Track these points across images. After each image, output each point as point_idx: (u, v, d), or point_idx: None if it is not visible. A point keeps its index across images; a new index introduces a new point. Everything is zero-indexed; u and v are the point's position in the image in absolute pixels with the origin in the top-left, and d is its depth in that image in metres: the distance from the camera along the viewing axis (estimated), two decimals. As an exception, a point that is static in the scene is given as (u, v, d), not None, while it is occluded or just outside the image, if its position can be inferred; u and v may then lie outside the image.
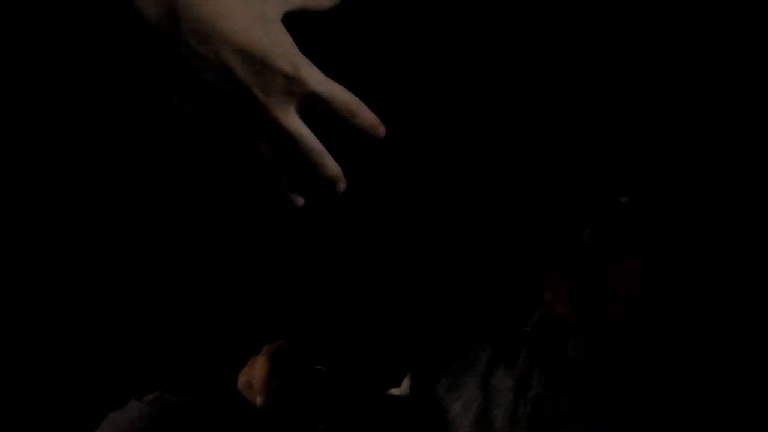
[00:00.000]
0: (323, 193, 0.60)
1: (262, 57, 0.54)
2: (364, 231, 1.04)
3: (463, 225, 1.03)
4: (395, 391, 1.03)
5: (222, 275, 1.09)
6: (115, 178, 0.97)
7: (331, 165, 0.59)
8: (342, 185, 0.60)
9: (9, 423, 1.10)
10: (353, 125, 0.58)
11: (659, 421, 0.84)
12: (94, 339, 1.12)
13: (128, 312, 1.11)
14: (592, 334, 0.89)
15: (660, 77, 0.93)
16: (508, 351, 0.96)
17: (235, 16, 0.54)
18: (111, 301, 1.10)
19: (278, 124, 0.56)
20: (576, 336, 0.91)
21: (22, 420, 1.11)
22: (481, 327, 1.02)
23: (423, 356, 1.03)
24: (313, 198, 0.61)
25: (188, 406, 0.99)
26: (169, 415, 0.98)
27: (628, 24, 0.92)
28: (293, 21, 0.57)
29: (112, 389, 1.07)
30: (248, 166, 0.59)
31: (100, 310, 1.11)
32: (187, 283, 1.09)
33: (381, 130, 0.60)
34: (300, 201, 0.61)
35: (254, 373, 0.96)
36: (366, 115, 0.59)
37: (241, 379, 0.98)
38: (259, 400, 0.95)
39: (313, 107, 0.57)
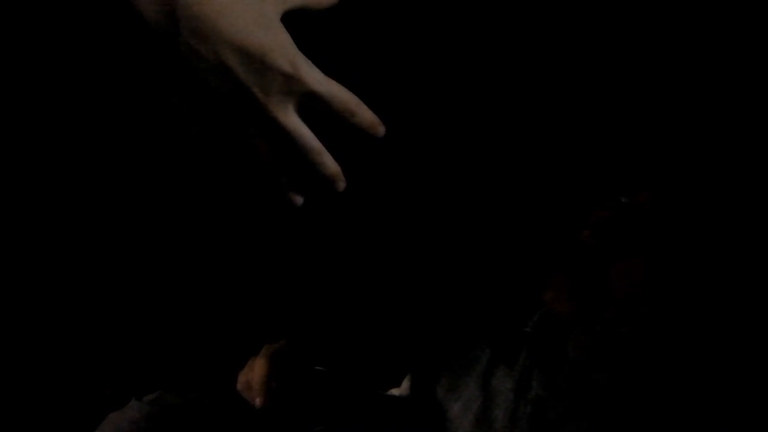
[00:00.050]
0: (322, 192, 0.60)
1: (261, 56, 0.55)
2: (363, 231, 1.04)
3: (462, 225, 1.03)
4: (395, 391, 1.03)
5: (221, 275, 1.09)
6: (114, 177, 0.97)
7: (330, 164, 0.59)
8: (341, 184, 0.60)
9: (9, 423, 1.11)
10: (352, 124, 0.58)
11: (659, 421, 0.84)
12: (93, 339, 1.12)
13: (128, 312, 1.11)
14: (592, 334, 0.89)
15: (659, 77, 0.93)
16: (508, 351, 0.96)
17: (235, 16, 0.54)
18: (110, 301, 1.10)
19: (277, 123, 0.56)
20: (576, 336, 0.91)
21: (22, 420, 1.11)
22: (481, 327, 1.02)
23: (423, 356, 1.03)
24: (313, 197, 0.61)
25: (188, 406, 0.99)
26: (169, 415, 0.98)
27: (628, 24, 0.92)
28: (292, 20, 0.57)
29: (112, 389, 1.07)
30: (247, 165, 0.59)
31: (99, 310, 1.11)
32: (187, 283, 1.09)
33: (380, 129, 0.60)
34: (299, 200, 0.61)
35: (253, 374, 0.96)
36: (365, 115, 0.59)
37: (241, 380, 0.98)
38: (258, 401, 0.95)
39: (313, 106, 0.57)
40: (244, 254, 1.08)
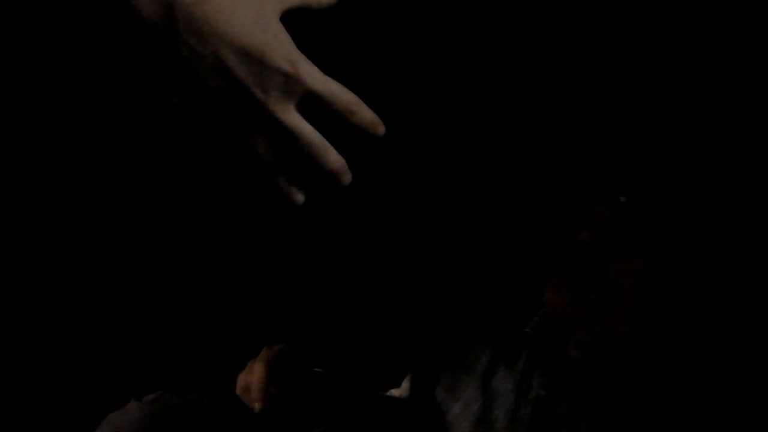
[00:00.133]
0: (327, 187, 0.59)
1: (260, 55, 0.54)
2: (363, 231, 1.04)
3: (462, 225, 1.03)
4: (395, 392, 1.03)
5: (221, 275, 1.09)
6: (114, 177, 0.97)
7: (335, 157, 0.59)
8: (347, 177, 0.60)
9: (9, 423, 1.11)
10: (352, 123, 0.58)
11: (660, 421, 0.84)
12: (93, 339, 1.12)
13: (128, 312, 1.11)
14: (592, 334, 0.88)
15: (659, 78, 0.93)
16: (508, 352, 0.96)
17: (233, 15, 0.54)
18: (111, 301, 1.10)
19: (278, 122, 0.56)
20: (576, 336, 0.91)
21: (22, 420, 1.11)
22: (482, 328, 1.01)
23: (423, 357, 1.03)
24: (316, 194, 0.60)
25: (188, 406, 0.99)
26: (169, 416, 0.98)
27: (627, 24, 0.92)
28: (292, 19, 0.57)
29: (112, 389, 1.07)
30: (247, 164, 0.58)
31: (99, 311, 1.11)
32: (187, 283, 1.09)
33: (380, 128, 0.60)
34: (300, 199, 0.60)
35: (252, 377, 0.96)
36: (365, 114, 0.59)
37: (240, 384, 0.98)
38: (257, 406, 0.95)
39: (312, 106, 0.57)
40: (244, 255, 1.08)
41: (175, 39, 0.53)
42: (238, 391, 0.98)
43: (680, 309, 0.84)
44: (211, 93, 0.55)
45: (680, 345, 0.84)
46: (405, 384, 1.03)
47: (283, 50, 0.55)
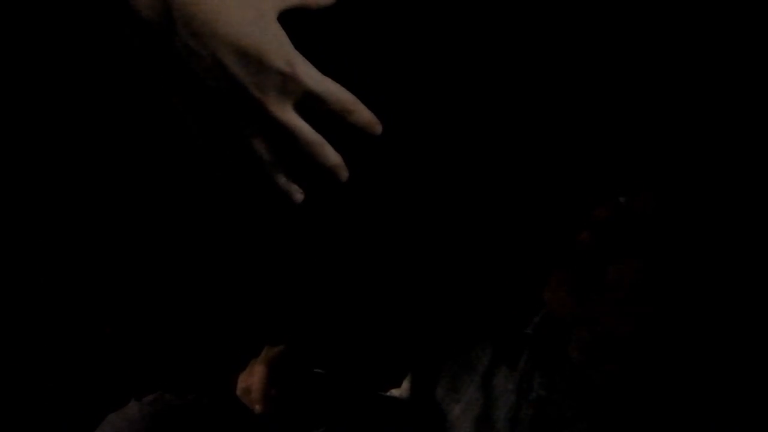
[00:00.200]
0: (325, 184, 0.60)
1: (257, 55, 0.55)
2: (362, 232, 1.04)
3: (461, 226, 1.03)
4: (395, 392, 1.03)
5: (221, 276, 1.09)
6: (113, 177, 0.97)
7: (332, 154, 0.59)
8: (344, 174, 0.60)
9: (9, 423, 1.11)
10: (350, 123, 0.58)
11: (660, 422, 0.84)
12: (93, 339, 1.12)
13: (127, 312, 1.11)
14: (592, 334, 0.88)
15: (658, 78, 0.93)
16: (509, 352, 0.96)
17: (231, 14, 0.54)
18: (110, 301, 1.10)
19: (275, 121, 0.56)
20: (576, 337, 0.91)
21: (22, 420, 1.11)
22: (482, 328, 1.01)
23: (423, 357, 1.03)
24: (314, 192, 0.61)
25: (187, 407, 0.99)
26: (169, 416, 0.98)
27: (627, 24, 0.92)
28: (289, 19, 0.57)
29: (112, 390, 1.08)
30: (245, 164, 0.59)
31: (99, 311, 1.11)
32: (186, 283, 1.09)
33: (377, 127, 0.60)
34: (298, 197, 0.61)
35: (253, 379, 0.96)
36: (362, 113, 0.59)
37: (240, 385, 0.98)
38: (258, 408, 0.95)
39: (310, 105, 0.57)
40: (244, 255, 1.08)
41: (174, 39, 0.54)
42: (238, 393, 0.98)
43: (680, 309, 0.84)
44: (209, 93, 0.55)
45: (680, 345, 0.84)
46: (405, 384, 1.03)
47: (281, 50, 0.55)
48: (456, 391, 0.97)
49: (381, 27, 0.82)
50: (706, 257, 0.84)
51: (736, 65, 0.90)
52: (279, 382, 0.95)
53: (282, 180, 0.59)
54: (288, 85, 0.55)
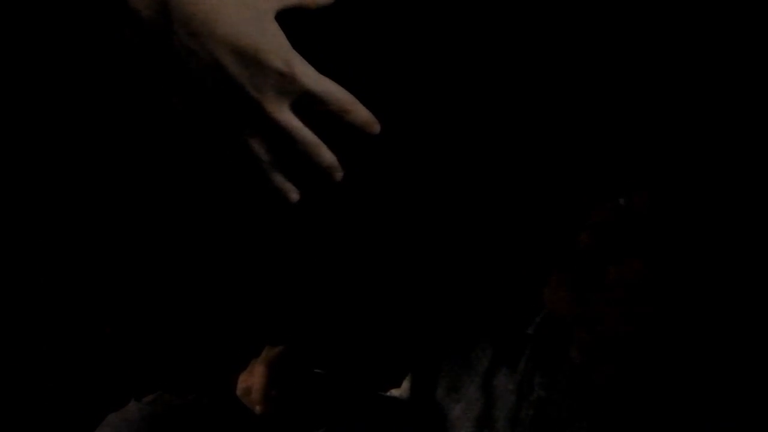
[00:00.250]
0: (320, 184, 0.60)
1: (255, 55, 0.55)
2: (361, 232, 1.04)
3: (461, 226, 1.03)
4: (395, 392, 1.03)
5: (221, 276, 1.09)
6: (112, 177, 0.97)
7: (327, 155, 0.59)
8: (339, 174, 0.60)
9: (9, 423, 1.11)
10: (347, 122, 0.58)
11: (660, 422, 0.84)
12: (93, 339, 1.12)
13: (127, 313, 1.11)
14: (592, 334, 0.88)
15: (657, 78, 0.93)
16: (509, 352, 0.96)
17: (228, 14, 0.54)
18: (110, 301, 1.10)
19: (272, 121, 0.56)
20: (577, 337, 0.91)
21: (22, 420, 1.11)
22: (482, 328, 1.01)
23: (423, 357, 1.03)
24: (309, 192, 0.61)
25: (187, 407, 0.99)
26: (168, 416, 0.98)
27: (627, 25, 0.92)
28: (287, 18, 0.57)
29: (112, 390, 1.08)
30: (242, 163, 0.59)
31: (99, 311, 1.11)
32: (186, 284, 1.09)
33: (375, 127, 0.60)
34: (295, 197, 0.61)
35: (253, 380, 0.96)
36: (360, 112, 0.59)
37: (240, 386, 0.98)
38: (258, 408, 0.95)
39: (307, 105, 0.57)
40: (244, 255, 1.08)
41: (172, 39, 0.54)
42: (238, 393, 0.98)
43: (679, 309, 0.84)
44: (207, 92, 0.55)
45: (680, 345, 0.84)
46: (405, 384, 1.03)
47: (278, 50, 0.55)
48: (456, 391, 0.97)
49: (379, 27, 0.82)
50: (705, 257, 0.84)
51: (734, 65, 0.90)
52: (279, 382, 0.95)
53: (278, 179, 0.59)
54: (286, 84, 0.55)
